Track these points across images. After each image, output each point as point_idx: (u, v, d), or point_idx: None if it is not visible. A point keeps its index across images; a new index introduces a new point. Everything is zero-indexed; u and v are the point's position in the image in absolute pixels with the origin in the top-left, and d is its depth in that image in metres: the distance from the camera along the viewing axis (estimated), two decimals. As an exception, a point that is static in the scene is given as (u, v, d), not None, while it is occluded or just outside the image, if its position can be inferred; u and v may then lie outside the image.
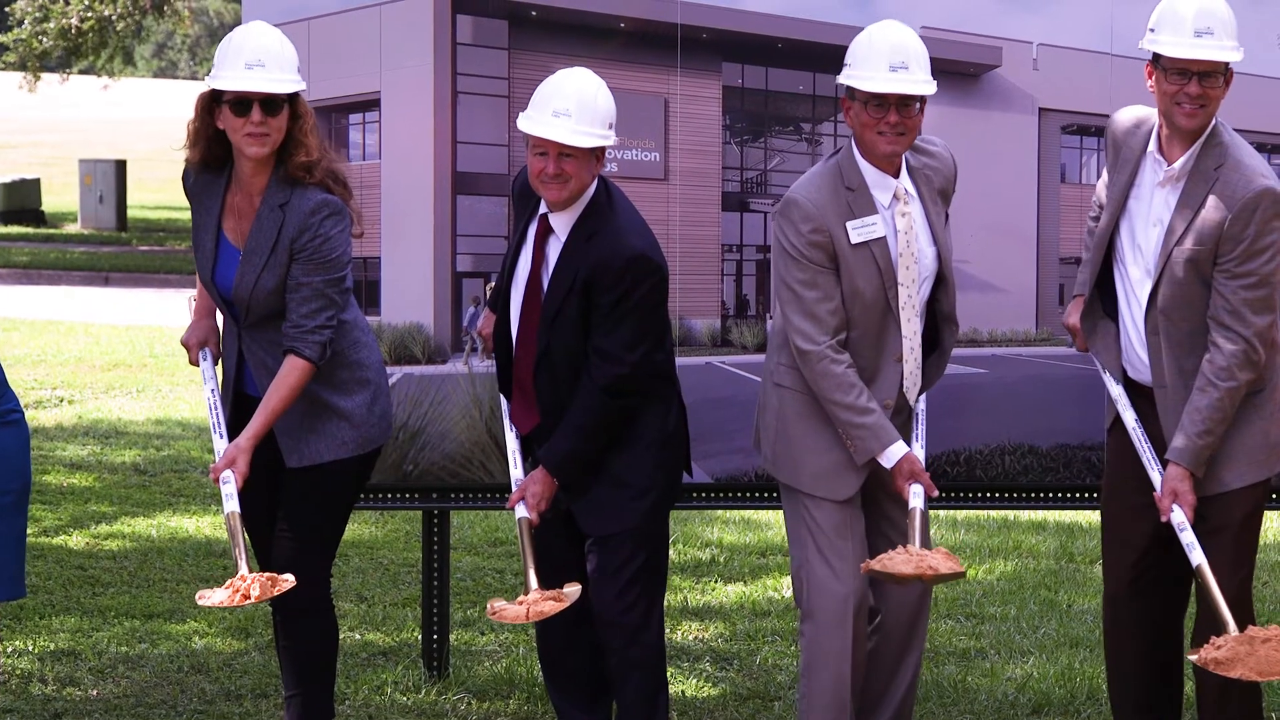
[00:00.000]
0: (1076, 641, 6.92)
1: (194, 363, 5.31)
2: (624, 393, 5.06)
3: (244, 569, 4.82)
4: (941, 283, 5.15)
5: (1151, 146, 5.04)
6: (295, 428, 5.10)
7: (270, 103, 4.95)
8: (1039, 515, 9.16)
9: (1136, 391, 5.13)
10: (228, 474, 4.92)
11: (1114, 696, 5.37)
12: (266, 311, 5.06)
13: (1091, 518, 8.95)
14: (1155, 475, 5.01)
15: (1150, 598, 5.21)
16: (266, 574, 4.86)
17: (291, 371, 4.99)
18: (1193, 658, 4.83)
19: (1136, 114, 5.14)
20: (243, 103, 4.95)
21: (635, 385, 5.07)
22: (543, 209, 5.14)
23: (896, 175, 5.07)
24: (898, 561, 4.83)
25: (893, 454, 4.96)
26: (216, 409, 5.13)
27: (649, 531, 5.19)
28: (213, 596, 4.81)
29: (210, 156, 5.09)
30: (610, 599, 5.14)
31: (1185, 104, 4.92)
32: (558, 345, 5.08)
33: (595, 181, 5.10)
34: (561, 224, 5.10)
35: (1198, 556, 4.86)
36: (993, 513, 9.02)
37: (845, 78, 5.02)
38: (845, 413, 4.98)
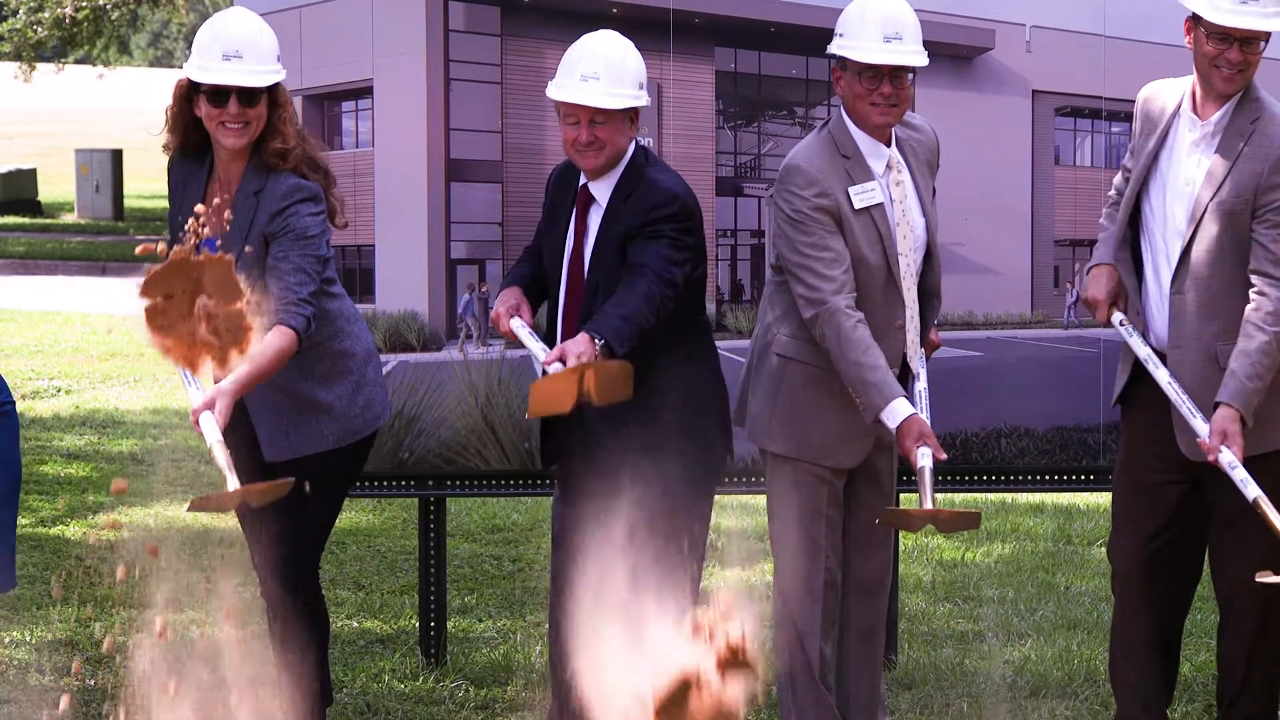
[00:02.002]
0: (1074, 623, 6.92)
1: None
2: (667, 296, 4.82)
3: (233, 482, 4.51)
4: (929, 257, 5.13)
5: (1185, 106, 5.02)
6: (275, 422, 5.07)
7: (248, 94, 4.91)
8: (1036, 498, 9.16)
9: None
10: (208, 414, 4.61)
11: (1114, 670, 5.37)
12: None
13: (1089, 500, 8.96)
14: (1198, 423, 4.87)
15: (1161, 578, 5.20)
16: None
17: (278, 336, 4.79)
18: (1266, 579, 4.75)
19: (1167, 83, 5.10)
20: (220, 93, 4.91)
21: (677, 300, 4.87)
22: (582, 180, 5.03)
23: (889, 145, 5.04)
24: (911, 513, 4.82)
25: (897, 411, 4.80)
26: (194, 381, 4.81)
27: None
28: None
29: (188, 142, 5.07)
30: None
31: (1225, 69, 4.90)
32: None
33: (632, 146, 5.00)
34: (602, 191, 4.99)
35: (1253, 490, 4.73)
36: (990, 495, 9.02)
37: (838, 48, 4.99)
38: (857, 370, 4.85)
